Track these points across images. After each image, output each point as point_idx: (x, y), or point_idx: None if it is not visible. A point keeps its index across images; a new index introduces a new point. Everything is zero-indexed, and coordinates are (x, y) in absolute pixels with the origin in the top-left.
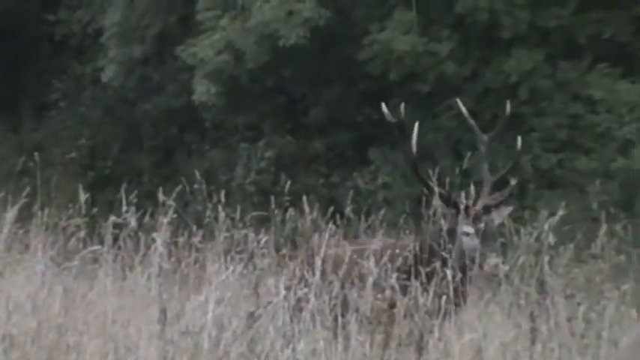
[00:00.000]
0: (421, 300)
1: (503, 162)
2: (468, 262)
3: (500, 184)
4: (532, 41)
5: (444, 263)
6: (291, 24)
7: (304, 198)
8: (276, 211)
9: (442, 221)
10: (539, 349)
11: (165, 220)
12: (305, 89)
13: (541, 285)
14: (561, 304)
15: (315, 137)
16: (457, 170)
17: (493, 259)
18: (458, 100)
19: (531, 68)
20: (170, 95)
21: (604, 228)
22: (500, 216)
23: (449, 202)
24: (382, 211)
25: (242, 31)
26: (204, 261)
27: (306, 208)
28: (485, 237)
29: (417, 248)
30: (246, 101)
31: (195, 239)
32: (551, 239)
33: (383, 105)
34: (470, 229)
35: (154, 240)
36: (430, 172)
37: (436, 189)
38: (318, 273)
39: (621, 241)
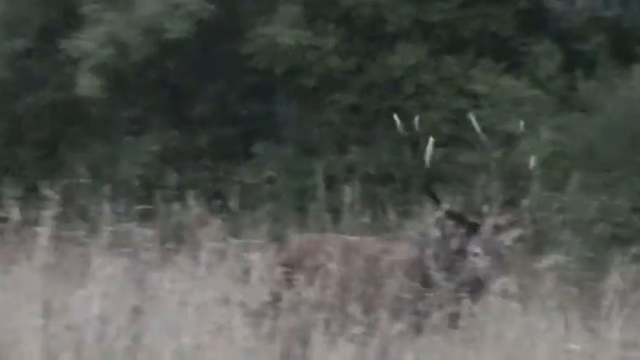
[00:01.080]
0: (306, 293)
1: (387, 156)
2: (478, 283)
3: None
4: (416, 36)
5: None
6: (176, 17)
7: (189, 192)
8: (161, 205)
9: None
10: (423, 342)
11: (50, 214)
12: (190, 83)
13: (425, 278)
14: (444, 297)
15: (200, 131)
16: (342, 164)
17: (501, 280)
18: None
19: (415, 63)
20: (54, 89)
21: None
22: (509, 238)
23: (460, 220)
24: (267, 205)
25: (126, 24)
26: (88, 255)
27: (192, 202)
28: (495, 258)
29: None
30: (130, 95)
31: (80, 233)
32: (436, 233)
33: (395, 116)
34: (479, 250)
35: (37, 234)
36: (315, 166)
37: (446, 206)
38: (203, 266)
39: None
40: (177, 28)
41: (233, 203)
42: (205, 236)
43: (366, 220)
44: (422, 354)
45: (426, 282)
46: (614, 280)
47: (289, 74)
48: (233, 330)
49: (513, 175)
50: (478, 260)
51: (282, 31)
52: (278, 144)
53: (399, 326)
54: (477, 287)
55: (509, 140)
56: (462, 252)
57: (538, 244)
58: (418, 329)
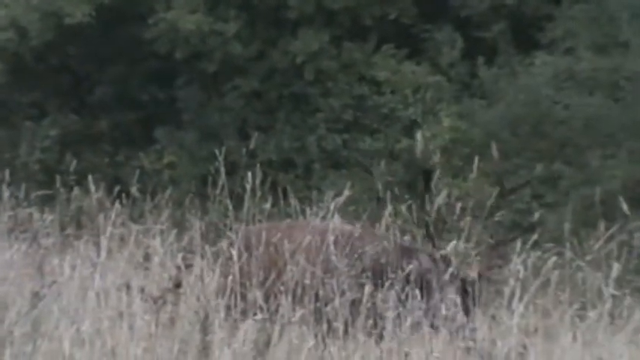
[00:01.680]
0: (207, 279)
1: (289, 142)
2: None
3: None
4: (318, 22)
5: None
6: (76, 2)
7: (89, 177)
8: (61, 190)
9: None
10: (324, 328)
11: None
12: (90, 68)
13: (326, 264)
14: (346, 283)
15: (100, 116)
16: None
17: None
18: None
19: (317, 49)
20: None
21: (389, 208)
22: (490, 282)
23: (444, 262)
24: (168, 191)
25: (26, 8)
26: None
27: (92, 188)
28: (467, 309)
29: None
30: (30, 79)
31: None
32: (337, 219)
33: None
34: (454, 296)
35: None
36: (217, 151)
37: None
38: (103, 252)
39: (405, 222)
40: (77, 13)
41: (133, 188)
42: (105, 222)
43: (267, 206)
44: (323, 338)
45: (328, 268)
46: (516, 266)
47: (190, 59)
48: (133, 316)
49: (414, 162)
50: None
51: (183, 17)
52: (179, 129)
53: (300, 312)
54: (379, 274)
55: (411, 126)
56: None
57: (438, 230)
58: (319, 315)
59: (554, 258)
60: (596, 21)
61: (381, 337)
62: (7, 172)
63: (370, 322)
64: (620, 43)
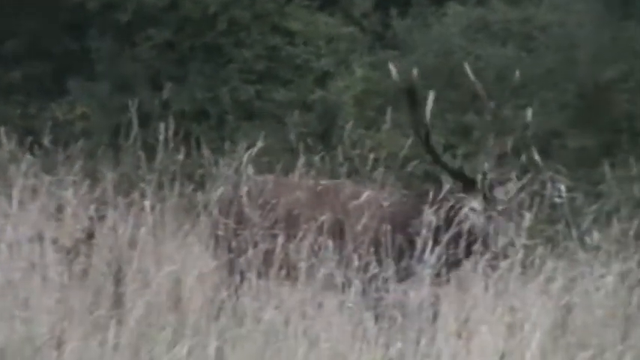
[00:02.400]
0: (120, 230)
1: (202, 93)
2: (474, 240)
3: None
4: None
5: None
6: None
7: (1, 129)
8: None
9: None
10: (237, 280)
11: None
12: (2, 19)
13: (240, 216)
14: (260, 235)
15: (12, 67)
16: (157, 101)
17: (501, 238)
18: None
19: None
20: None
21: (302, 159)
22: (506, 193)
23: (458, 176)
24: (80, 142)
25: None
26: None
27: (3, 139)
28: (495, 220)
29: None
30: None
31: None
32: (250, 171)
33: (391, 66)
34: (477, 206)
35: None
36: (129, 102)
37: (446, 161)
38: (15, 203)
39: (318, 173)
40: None
41: (46, 140)
42: (17, 173)
43: (180, 157)
44: (237, 289)
45: (241, 220)
46: (428, 217)
47: (103, 10)
48: (46, 267)
49: (328, 113)
50: (474, 217)
51: None
52: (91, 80)
53: (213, 263)
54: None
55: (324, 77)
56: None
57: (353, 181)
58: (233, 266)
59: (466, 209)
60: None
61: (294, 287)
62: None
63: (283, 272)
64: None
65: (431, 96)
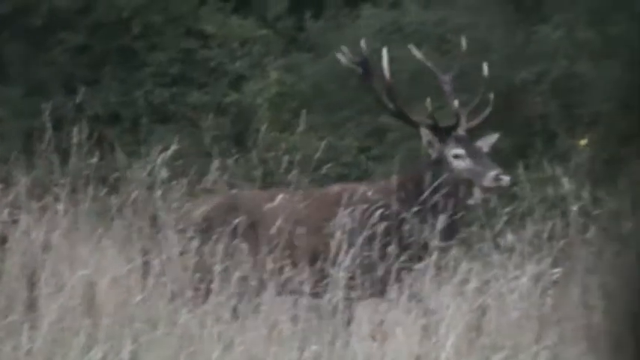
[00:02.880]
0: (33, 234)
1: (116, 96)
2: (461, 187)
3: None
4: None
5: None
6: None
7: None
8: None
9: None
10: (151, 283)
11: None
12: None
13: (154, 219)
14: (174, 238)
15: None
16: (70, 105)
17: (492, 172)
18: (413, 48)
19: (144, 2)
20: None
21: (216, 162)
22: (487, 144)
23: (435, 129)
24: None
25: None
26: None
27: None
28: (478, 156)
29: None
30: None
31: None
32: (164, 174)
33: (343, 50)
34: (460, 151)
35: None
36: (43, 106)
37: (415, 119)
38: None
39: (233, 175)
40: None
41: None
42: None
43: (94, 160)
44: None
45: (156, 223)
46: (342, 219)
47: (15, 13)
48: None
49: (242, 116)
50: (460, 162)
51: None
52: (4, 84)
53: (127, 267)
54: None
55: (238, 80)
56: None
57: (266, 184)
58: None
59: (380, 210)
60: None
61: (209, 291)
62: None
63: (198, 276)
64: None
65: (385, 53)
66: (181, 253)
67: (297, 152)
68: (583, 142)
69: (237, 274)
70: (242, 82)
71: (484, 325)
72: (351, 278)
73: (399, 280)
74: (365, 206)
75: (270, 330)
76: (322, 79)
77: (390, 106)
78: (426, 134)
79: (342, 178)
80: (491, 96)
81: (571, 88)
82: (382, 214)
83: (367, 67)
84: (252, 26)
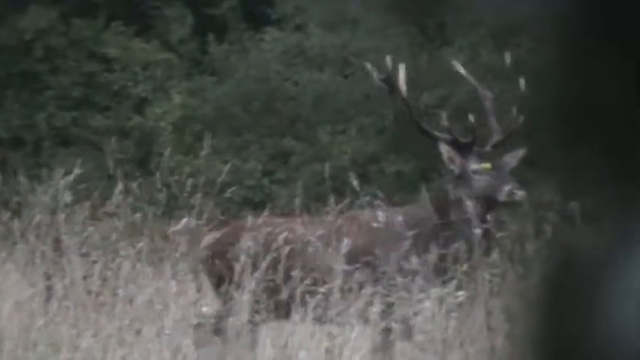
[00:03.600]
0: None
1: (18, 120)
2: (482, 204)
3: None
4: None
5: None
6: None
7: None
8: None
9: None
10: (54, 307)
11: None
12: None
13: (57, 243)
14: (77, 262)
15: None
16: None
17: (506, 187)
18: (455, 63)
19: (46, 26)
20: None
21: (120, 186)
22: (514, 158)
23: (456, 145)
24: None
25: None
26: None
27: None
28: (498, 171)
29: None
30: None
31: None
32: (67, 197)
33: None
34: (479, 166)
35: None
36: None
37: (437, 134)
38: None
39: (136, 199)
40: None
41: None
42: None
43: None
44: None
45: (58, 247)
46: (247, 242)
47: None
48: None
49: (145, 139)
50: (479, 178)
51: None
52: None
53: (30, 291)
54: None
55: (141, 104)
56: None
57: (170, 208)
58: (50, 293)
59: (285, 233)
60: None
61: (111, 314)
62: None
63: (101, 299)
64: (348, 19)
65: (402, 70)
66: (85, 277)
67: (201, 175)
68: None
69: (141, 298)
70: (145, 106)
71: (388, 349)
72: (256, 301)
73: (303, 303)
74: (269, 229)
75: (174, 354)
76: (226, 102)
77: (417, 121)
78: (446, 150)
79: (246, 201)
80: (515, 112)
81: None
82: (286, 237)
83: (392, 83)
84: (156, 49)
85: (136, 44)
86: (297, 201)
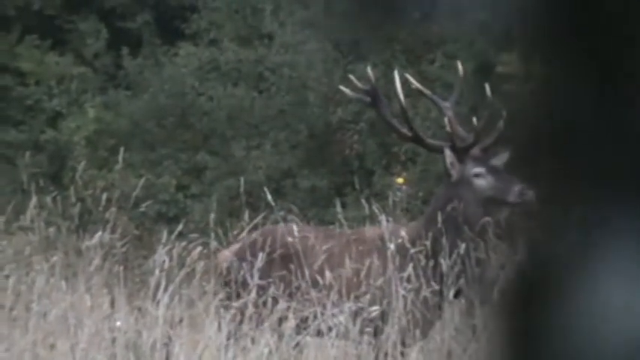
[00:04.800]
0: None
1: None
2: (486, 206)
3: None
4: None
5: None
6: None
7: None
8: None
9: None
10: None
11: None
12: None
13: None
14: None
15: None
16: None
17: (516, 187)
18: (409, 77)
19: None
20: None
21: (34, 200)
22: (501, 160)
23: (453, 150)
24: None
25: None
26: None
27: None
28: (498, 173)
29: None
30: None
31: None
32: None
33: (352, 77)
34: (480, 169)
35: None
36: None
37: (432, 141)
38: None
39: (50, 213)
40: None
41: None
42: None
43: None
44: None
45: None
46: (161, 257)
47: None
48: None
49: (59, 153)
50: (481, 181)
51: None
52: None
53: None
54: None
55: (56, 118)
56: None
57: (84, 222)
58: None
59: (199, 248)
60: (239, 12)
61: (25, 328)
62: None
63: (14, 313)
64: (263, 34)
65: (396, 75)
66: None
67: (115, 190)
68: (401, 180)
69: (54, 312)
70: (59, 120)
71: None
72: (172, 316)
73: (217, 317)
74: (183, 244)
75: None
76: (140, 116)
77: (404, 130)
78: (449, 156)
79: (160, 216)
80: (504, 114)
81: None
82: (201, 252)
83: (375, 94)
84: (70, 63)
85: (51, 58)
86: (212, 216)
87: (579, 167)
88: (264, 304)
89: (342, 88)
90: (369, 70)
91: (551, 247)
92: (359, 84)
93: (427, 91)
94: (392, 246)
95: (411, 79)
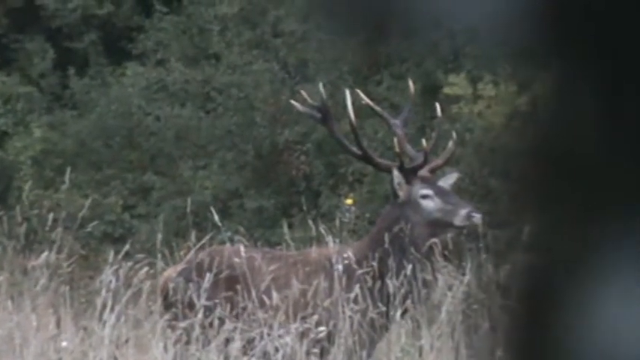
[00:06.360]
0: None
1: None
2: (432, 228)
3: None
4: None
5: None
6: None
7: None
8: None
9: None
10: None
11: None
12: None
13: None
14: None
15: None
16: None
17: (463, 210)
18: (360, 92)
19: None
20: None
21: None
22: (448, 183)
23: (401, 171)
24: None
25: None
26: None
27: None
28: (446, 195)
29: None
30: None
31: None
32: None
33: (303, 92)
34: (428, 191)
35: None
36: None
37: (381, 161)
38: None
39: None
40: None
41: None
42: None
43: None
44: None
45: None
46: (107, 277)
47: None
48: None
49: (5, 173)
50: (428, 202)
51: None
52: None
53: None
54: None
55: (1, 137)
56: None
57: (30, 242)
58: None
59: (145, 268)
60: (186, 33)
61: None
62: None
63: None
64: (210, 55)
65: (348, 96)
66: None
67: (61, 210)
68: (349, 201)
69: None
70: (5, 139)
71: None
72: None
73: (164, 338)
74: (130, 264)
75: None
76: (86, 136)
77: (354, 149)
78: (397, 176)
79: (106, 236)
80: (454, 135)
81: (335, 147)
82: (147, 272)
83: (326, 111)
84: (16, 83)
85: None
86: (158, 236)
87: (580, 189)
88: (211, 324)
89: (293, 102)
90: (320, 86)
91: (549, 267)
92: (309, 99)
93: (378, 108)
94: (340, 267)
95: (362, 94)
